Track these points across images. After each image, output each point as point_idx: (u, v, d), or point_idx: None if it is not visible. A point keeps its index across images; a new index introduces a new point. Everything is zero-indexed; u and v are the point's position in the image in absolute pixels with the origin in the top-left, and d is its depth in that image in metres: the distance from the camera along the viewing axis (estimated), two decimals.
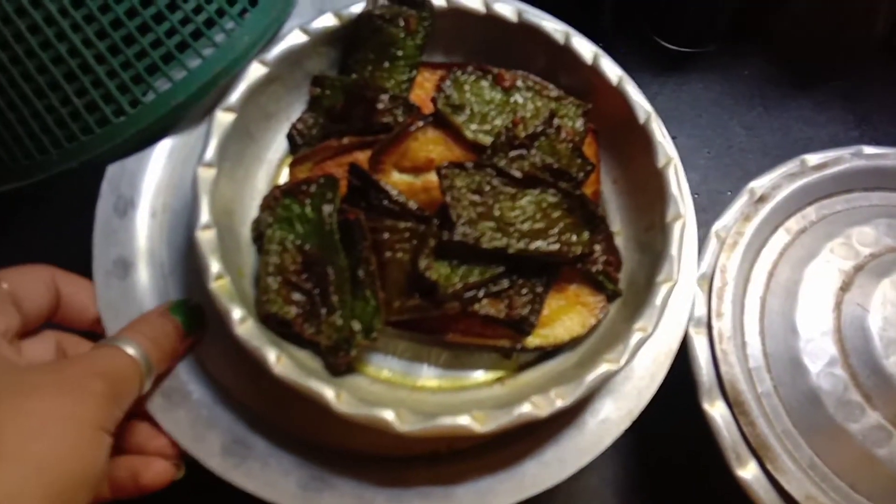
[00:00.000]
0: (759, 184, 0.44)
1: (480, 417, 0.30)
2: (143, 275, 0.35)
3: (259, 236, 0.34)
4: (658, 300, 0.33)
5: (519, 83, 0.37)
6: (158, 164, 0.37)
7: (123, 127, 0.35)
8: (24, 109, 0.34)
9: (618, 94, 0.37)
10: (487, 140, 0.36)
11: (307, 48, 0.36)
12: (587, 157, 0.37)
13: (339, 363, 0.32)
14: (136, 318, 0.33)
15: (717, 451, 0.37)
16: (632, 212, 0.38)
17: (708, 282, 0.41)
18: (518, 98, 0.37)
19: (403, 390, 0.34)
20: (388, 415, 0.29)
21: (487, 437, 0.31)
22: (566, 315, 0.35)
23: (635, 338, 0.32)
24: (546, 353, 0.35)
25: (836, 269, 0.41)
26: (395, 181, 0.35)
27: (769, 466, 0.36)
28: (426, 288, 0.32)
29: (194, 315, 0.33)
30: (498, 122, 0.37)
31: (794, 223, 0.44)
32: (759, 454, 0.37)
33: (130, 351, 0.30)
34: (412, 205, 0.33)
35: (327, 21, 0.36)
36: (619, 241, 0.38)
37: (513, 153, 0.35)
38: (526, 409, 0.30)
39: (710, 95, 0.63)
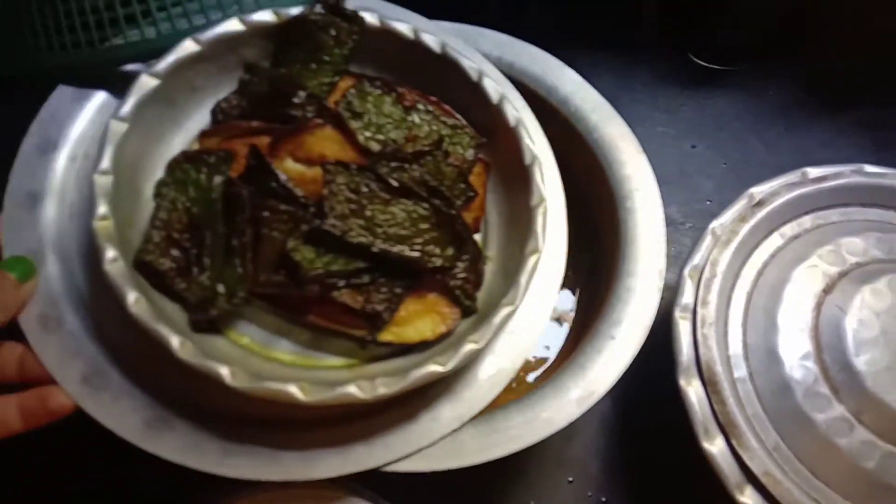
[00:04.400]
0: (760, 189, 0.47)
1: (306, 388, 0.32)
2: (50, 211, 0.38)
3: (158, 194, 0.36)
4: (496, 319, 0.35)
5: (420, 105, 0.40)
6: (87, 115, 0.40)
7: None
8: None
9: (514, 135, 0.40)
10: (377, 148, 0.39)
11: (243, 37, 0.39)
12: (472, 185, 0.40)
13: (200, 320, 0.34)
14: None
15: (688, 425, 0.41)
16: (506, 242, 0.41)
17: (698, 273, 0.44)
18: (416, 118, 0.40)
19: (256, 358, 0.36)
20: (223, 370, 0.31)
21: (321, 411, 0.34)
22: (420, 319, 0.36)
23: (466, 348, 0.34)
24: (397, 351, 0.37)
25: (822, 273, 0.44)
26: (288, 168, 0.37)
27: (734, 442, 0.39)
28: (291, 267, 0.34)
29: (26, 269, 0.36)
30: (392, 135, 0.39)
31: (788, 229, 0.47)
32: (726, 431, 0.40)
33: None
34: (297, 191, 0.35)
35: (266, 17, 0.39)
36: (492, 266, 0.40)
37: (395, 164, 0.37)
38: (349, 390, 0.32)
39: (734, 111, 0.66)
